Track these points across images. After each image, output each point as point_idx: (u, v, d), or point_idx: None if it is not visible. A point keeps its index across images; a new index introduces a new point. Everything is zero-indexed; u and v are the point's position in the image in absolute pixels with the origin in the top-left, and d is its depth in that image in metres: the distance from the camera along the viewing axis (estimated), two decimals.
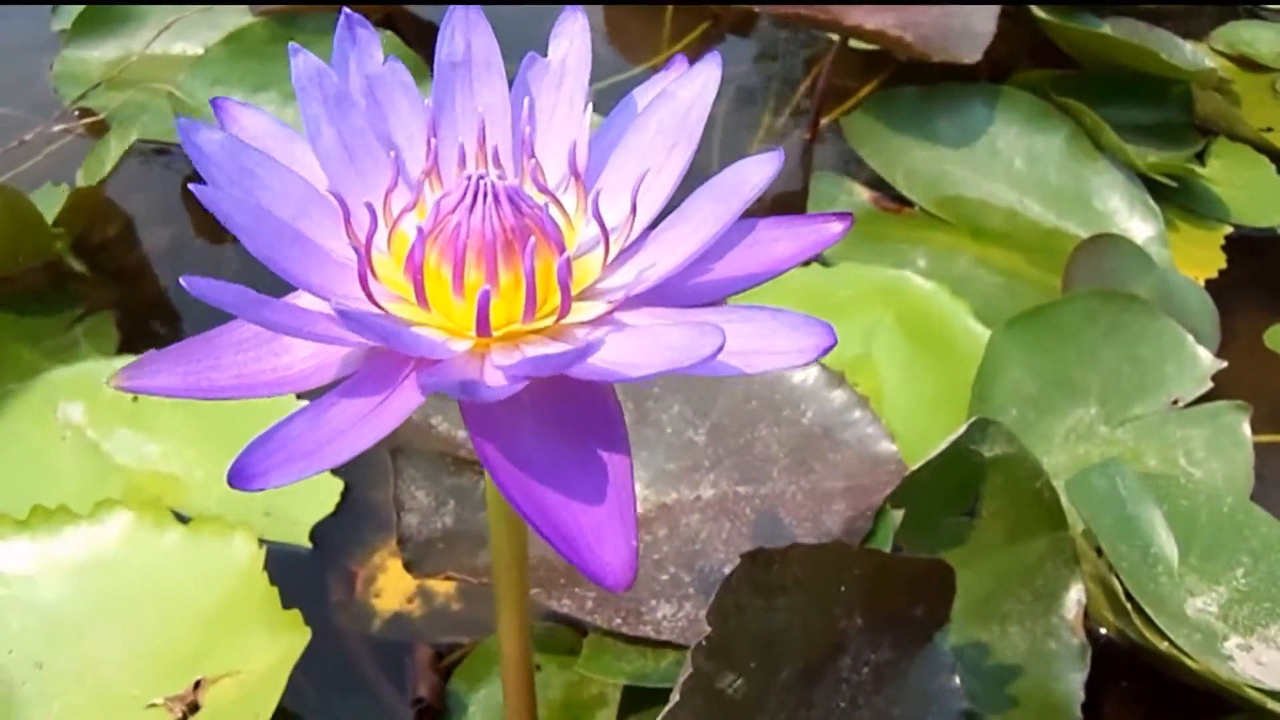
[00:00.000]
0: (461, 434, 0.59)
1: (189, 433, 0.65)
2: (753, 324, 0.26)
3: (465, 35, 0.32)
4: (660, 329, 0.27)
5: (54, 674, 0.51)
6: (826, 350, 0.25)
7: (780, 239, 0.30)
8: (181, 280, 0.24)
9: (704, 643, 0.41)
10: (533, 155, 0.31)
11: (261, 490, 0.23)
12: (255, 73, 0.92)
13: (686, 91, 0.31)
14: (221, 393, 0.27)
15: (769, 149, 0.29)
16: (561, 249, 0.28)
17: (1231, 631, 0.54)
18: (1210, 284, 0.82)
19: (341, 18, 0.31)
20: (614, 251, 0.29)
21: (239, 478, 0.24)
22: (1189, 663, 0.51)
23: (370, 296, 0.27)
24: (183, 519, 0.57)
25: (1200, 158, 0.94)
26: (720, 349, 0.24)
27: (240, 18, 0.97)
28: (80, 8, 0.99)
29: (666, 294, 0.29)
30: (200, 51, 0.95)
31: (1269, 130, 0.97)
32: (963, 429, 0.55)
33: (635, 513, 0.25)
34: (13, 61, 0.96)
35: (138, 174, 0.90)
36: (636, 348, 0.26)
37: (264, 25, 0.94)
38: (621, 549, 0.25)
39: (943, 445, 0.55)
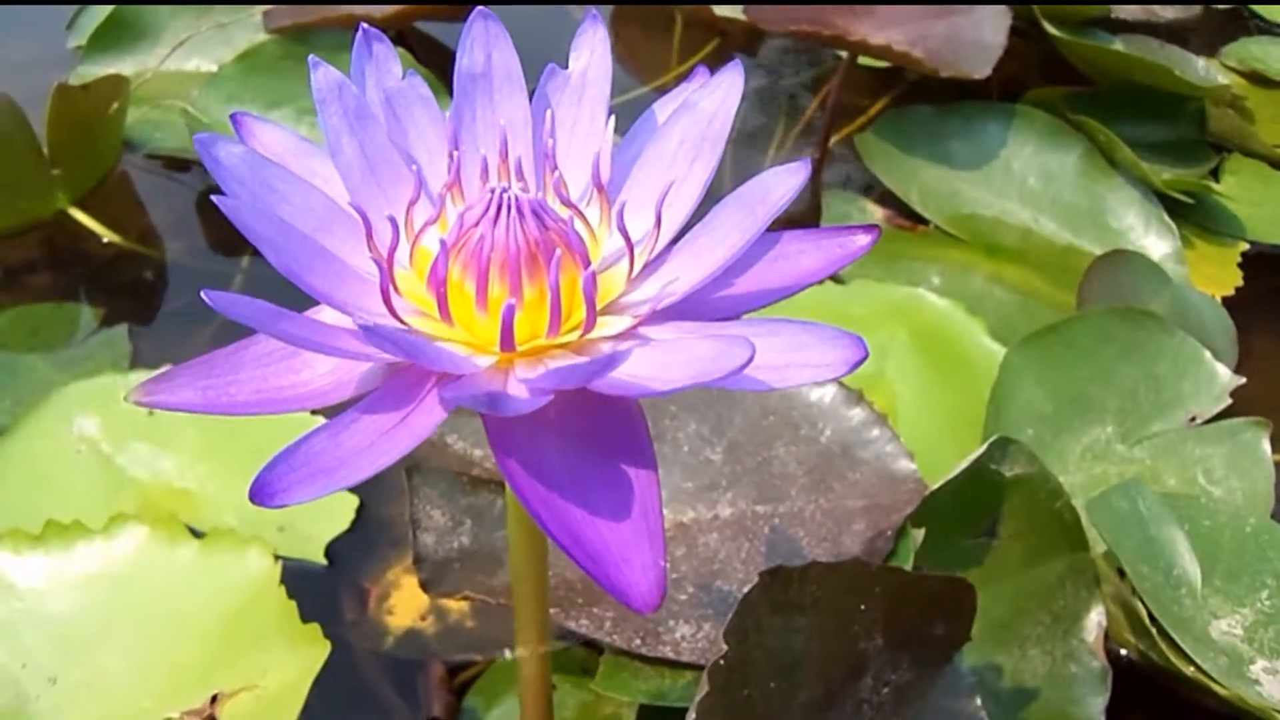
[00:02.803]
0: (478, 452, 0.59)
1: (204, 447, 0.65)
2: (781, 337, 0.26)
3: (485, 47, 0.32)
4: (688, 342, 0.26)
5: (67, 687, 0.51)
6: (858, 363, 0.24)
7: (805, 252, 0.29)
8: (202, 294, 0.24)
9: (721, 662, 0.40)
10: (556, 168, 0.30)
11: (283, 507, 0.23)
12: (269, 89, 0.92)
13: (708, 102, 0.30)
14: (241, 408, 0.27)
15: (793, 159, 0.28)
16: (586, 262, 0.28)
17: (1258, 654, 0.54)
18: (1227, 301, 0.81)
19: (359, 33, 0.31)
20: (638, 265, 0.29)
21: (261, 494, 0.23)
22: (1215, 687, 0.50)
23: (392, 311, 0.27)
24: (197, 534, 0.57)
25: (1215, 174, 0.94)
26: (749, 361, 0.23)
27: (254, 34, 0.97)
28: (96, 25, 1.00)
29: (692, 308, 0.28)
30: (214, 69, 0.96)
31: None
32: (983, 448, 0.55)
33: (663, 532, 0.25)
34: (29, 77, 0.96)
35: (152, 188, 0.90)
36: (663, 361, 0.25)
37: (277, 42, 0.95)
38: (650, 569, 0.24)
39: (963, 464, 0.54)
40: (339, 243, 0.28)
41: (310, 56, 0.29)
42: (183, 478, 0.63)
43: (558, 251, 0.27)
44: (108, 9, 1.00)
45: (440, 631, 0.59)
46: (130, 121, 0.89)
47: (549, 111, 0.31)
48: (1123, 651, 0.57)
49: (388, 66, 0.31)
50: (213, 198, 0.25)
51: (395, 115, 0.31)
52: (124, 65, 0.97)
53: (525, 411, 0.24)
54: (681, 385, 0.24)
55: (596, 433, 0.26)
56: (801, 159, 0.28)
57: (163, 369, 0.27)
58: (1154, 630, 0.52)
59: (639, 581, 0.24)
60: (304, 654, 0.52)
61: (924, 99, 0.97)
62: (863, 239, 0.29)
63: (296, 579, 0.56)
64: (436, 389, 0.26)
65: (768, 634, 0.42)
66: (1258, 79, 1.07)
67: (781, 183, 0.28)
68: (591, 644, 0.53)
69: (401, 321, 0.27)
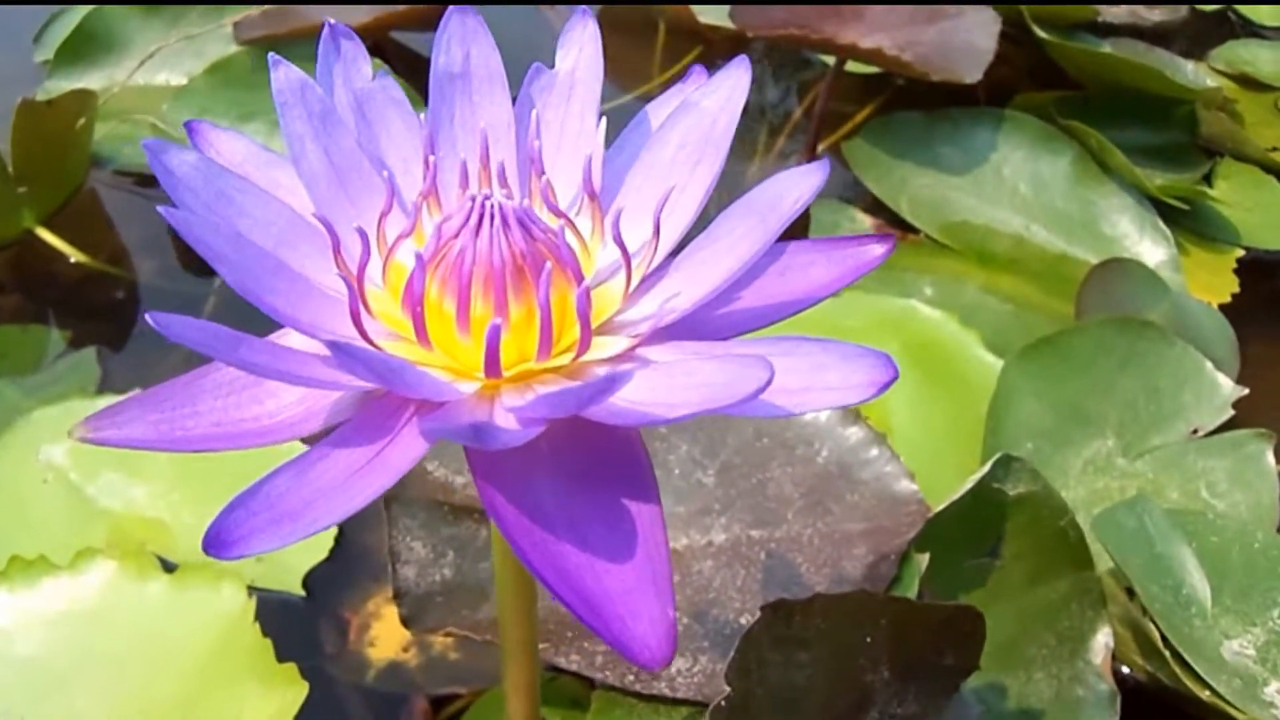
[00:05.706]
0: (459, 479, 0.57)
1: (178, 475, 0.62)
2: (797, 356, 0.23)
3: (464, 45, 0.29)
4: (694, 364, 0.23)
5: None
6: (886, 385, 0.22)
7: (815, 263, 0.27)
8: (148, 316, 0.21)
9: (723, 703, 0.38)
10: (543, 173, 0.28)
11: (241, 558, 0.20)
12: (240, 102, 0.90)
13: (711, 101, 0.28)
14: (198, 444, 0.24)
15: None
16: (579, 277, 0.25)
17: (1272, 676, 0.52)
18: (1224, 308, 0.79)
19: (325, 30, 0.28)
20: (636, 279, 0.26)
21: (216, 544, 0.21)
22: (1230, 711, 0.49)
23: (363, 333, 0.24)
24: (169, 566, 0.55)
25: (1207, 179, 0.92)
26: (766, 385, 0.20)
27: (225, 46, 0.95)
28: (63, 39, 0.97)
29: (694, 326, 0.26)
30: (184, 81, 0.93)
31: (1274, 150, 0.95)
32: (986, 468, 0.53)
33: (671, 576, 0.22)
34: None
35: (121, 206, 0.87)
36: (667, 385, 0.23)
37: (248, 54, 0.92)
38: (659, 620, 0.21)
39: (968, 485, 0.53)
40: (304, 259, 0.26)
41: (270, 55, 0.27)
42: (155, 507, 0.61)
43: (548, 265, 0.24)
44: (75, 21, 0.97)
45: (423, 663, 0.57)
46: (98, 137, 0.87)
47: (534, 113, 0.29)
48: (1128, 672, 0.55)
49: (357, 66, 0.29)
50: (159, 209, 0.22)
51: (366, 119, 0.28)
52: (92, 79, 0.95)
53: (514, 444, 0.21)
54: (689, 412, 0.21)
55: (594, 466, 0.23)
56: (821, 159, 0.26)
57: (129, 394, 0.25)
58: (1166, 652, 0.50)
59: (647, 634, 0.21)
60: (281, 694, 0.50)
61: (911, 105, 0.96)
62: (877, 249, 0.26)
63: (275, 610, 0.54)
64: (415, 419, 0.24)
65: (770, 670, 0.41)
66: (1247, 82, 1.05)
67: (796, 186, 0.25)
68: (583, 675, 0.51)
69: (374, 345, 0.24)
